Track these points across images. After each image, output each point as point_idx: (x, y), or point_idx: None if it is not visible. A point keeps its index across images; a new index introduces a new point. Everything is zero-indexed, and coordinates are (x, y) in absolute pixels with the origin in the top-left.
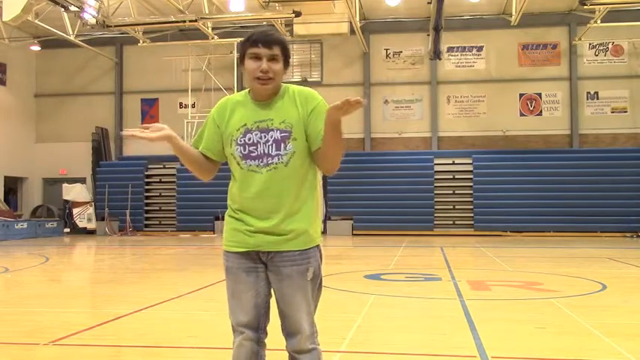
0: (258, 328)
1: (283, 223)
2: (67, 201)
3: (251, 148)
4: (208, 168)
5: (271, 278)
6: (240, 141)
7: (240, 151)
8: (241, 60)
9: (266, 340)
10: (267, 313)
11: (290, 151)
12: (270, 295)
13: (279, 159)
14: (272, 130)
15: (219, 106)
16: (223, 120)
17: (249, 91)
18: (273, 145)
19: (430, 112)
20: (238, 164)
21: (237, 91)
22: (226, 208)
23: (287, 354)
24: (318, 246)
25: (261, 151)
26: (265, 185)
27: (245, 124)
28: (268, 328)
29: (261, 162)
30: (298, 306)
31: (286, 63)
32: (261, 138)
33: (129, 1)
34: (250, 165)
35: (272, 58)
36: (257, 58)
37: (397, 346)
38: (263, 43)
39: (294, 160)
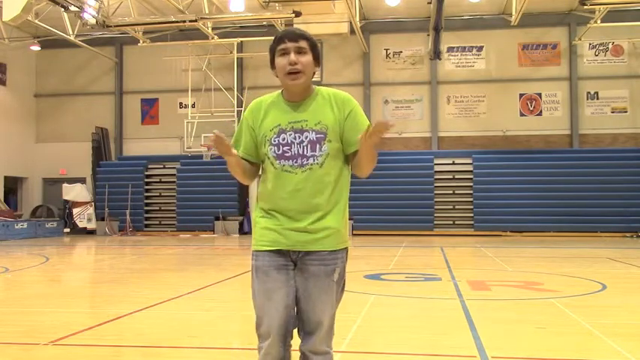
0: (286, 331)
1: (317, 223)
2: (67, 201)
3: (285, 149)
4: (252, 172)
5: (297, 276)
6: (275, 141)
7: (274, 152)
8: (272, 63)
9: (292, 342)
10: (295, 316)
11: (325, 153)
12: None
13: (314, 160)
14: (307, 130)
15: (253, 108)
16: (257, 121)
17: (281, 92)
18: (309, 146)
19: (430, 112)
20: (272, 164)
21: (237, 91)
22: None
23: (300, 354)
24: (346, 248)
25: (295, 152)
26: (300, 185)
27: (279, 125)
28: None
29: (296, 162)
30: (321, 306)
31: (316, 59)
32: (295, 138)
33: (129, 1)
34: (284, 165)
35: (299, 51)
36: (285, 53)
37: (397, 346)
38: (289, 37)
39: (329, 162)
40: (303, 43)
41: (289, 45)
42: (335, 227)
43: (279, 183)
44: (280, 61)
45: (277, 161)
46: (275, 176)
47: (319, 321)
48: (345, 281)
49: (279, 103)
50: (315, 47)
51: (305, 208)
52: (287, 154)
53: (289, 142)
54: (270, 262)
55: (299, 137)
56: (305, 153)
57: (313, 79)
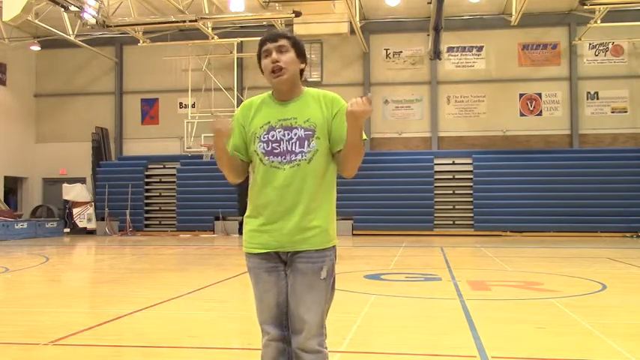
0: (282, 326)
1: (303, 221)
2: (67, 201)
3: (274, 145)
4: (240, 170)
5: (288, 274)
6: (264, 138)
7: (264, 148)
8: (259, 65)
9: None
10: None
11: (313, 149)
12: None
13: (302, 156)
14: (296, 127)
15: (244, 107)
16: (247, 119)
17: (272, 93)
18: (297, 142)
19: (430, 112)
20: (261, 161)
21: (237, 91)
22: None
23: (293, 353)
24: (334, 246)
25: (284, 148)
26: (287, 181)
27: (269, 122)
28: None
29: (284, 159)
30: (308, 304)
31: (300, 55)
32: (284, 135)
33: (129, 1)
34: (273, 161)
35: (280, 50)
36: (267, 54)
37: (397, 346)
38: (269, 39)
39: (317, 159)
40: (283, 42)
41: (270, 46)
42: (322, 226)
43: (268, 179)
44: (264, 62)
45: (266, 157)
46: (264, 173)
47: (305, 319)
48: (334, 279)
49: (269, 102)
50: (297, 44)
51: (291, 203)
52: (276, 151)
53: (278, 138)
54: (259, 264)
55: (288, 134)
56: (294, 149)
57: (313, 80)
